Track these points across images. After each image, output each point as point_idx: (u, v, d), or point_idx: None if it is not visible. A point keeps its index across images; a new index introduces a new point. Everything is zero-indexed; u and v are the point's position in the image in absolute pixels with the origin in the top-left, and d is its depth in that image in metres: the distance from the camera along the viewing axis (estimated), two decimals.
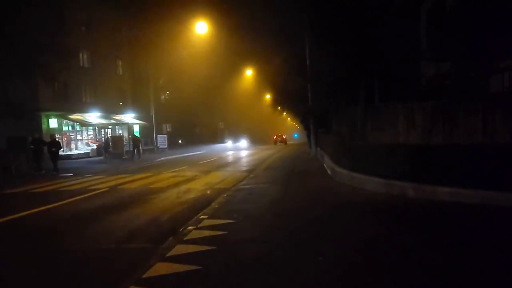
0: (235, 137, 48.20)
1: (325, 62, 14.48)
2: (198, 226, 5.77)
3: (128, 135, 32.83)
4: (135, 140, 23.87)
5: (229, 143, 46.61)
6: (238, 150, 32.91)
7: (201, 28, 28.14)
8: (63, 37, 19.25)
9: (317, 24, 15.96)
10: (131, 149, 23.90)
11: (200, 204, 7.70)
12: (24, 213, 7.52)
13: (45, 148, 15.56)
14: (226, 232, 5.32)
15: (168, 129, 44.22)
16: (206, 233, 5.36)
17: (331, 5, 13.71)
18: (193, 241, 4.99)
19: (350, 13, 12.80)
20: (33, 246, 5.43)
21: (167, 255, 4.49)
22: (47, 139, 23.71)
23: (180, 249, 4.71)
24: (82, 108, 27.35)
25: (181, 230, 5.69)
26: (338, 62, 13.27)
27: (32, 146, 15.27)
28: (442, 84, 9.78)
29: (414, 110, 8.61)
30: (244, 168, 15.42)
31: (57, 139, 16.70)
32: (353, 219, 5.92)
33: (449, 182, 6.75)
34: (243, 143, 44.19)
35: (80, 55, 27.48)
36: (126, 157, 23.09)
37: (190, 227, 5.73)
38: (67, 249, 5.18)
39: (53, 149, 15.45)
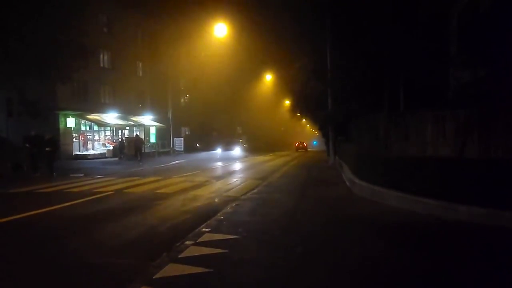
0: (228, 143, 35.63)
1: (347, 66, 13.76)
2: (197, 241, 5.16)
3: (145, 136, 32.81)
4: (137, 142, 23.36)
5: (218, 151, 34.69)
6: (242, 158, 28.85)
7: (221, 31, 27.91)
8: (83, 37, 19.26)
9: (339, 27, 15.29)
10: (132, 151, 23.29)
11: (205, 214, 7.09)
12: (14, 217, 7.04)
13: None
14: (226, 251, 4.69)
15: (187, 132, 44.14)
16: (205, 250, 4.74)
17: (354, 6, 13.04)
18: (188, 260, 4.37)
19: (373, 15, 12.10)
20: (10, 256, 4.91)
21: (155, 276, 3.90)
22: (64, 138, 24.11)
23: (171, 269, 4.10)
24: (100, 108, 27.43)
25: (178, 244, 5.09)
26: (360, 66, 12.54)
27: (27, 145, 14.22)
28: (476, 91, 8.90)
29: (445, 119, 7.78)
30: (258, 175, 14.77)
31: (53, 138, 15.25)
32: (373, 241, 5.16)
33: (486, 202, 5.92)
34: (237, 151, 32.87)
35: (101, 55, 27.64)
36: (139, 159, 22.86)
37: (188, 242, 5.12)
38: (48, 261, 4.65)
39: (48, 148, 14.21)
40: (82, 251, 5.03)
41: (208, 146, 41.43)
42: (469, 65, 10.28)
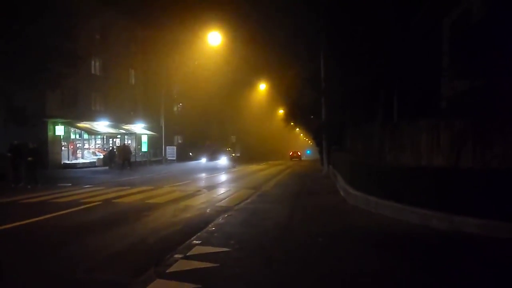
0: (214, 152, 29.37)
1: (341, 75, 13.73)
2: (187, 254, 4.94)
3: (136, 145, 32.36)
4: (125, 150, 22.63)
5: (203, 161, 29.17)
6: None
7: (214, 39, 27.89)
8: (74, 43, 19.00)
9: (333, 36, 15.30)
10: (120, 160, 22.55)
11: (196, 226, 6.87)
12: None
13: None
14: (217, 265, 4.47)
15: (179, 141, 43.78)
16: (194, 264, 4.52)
17: (349, 17, 13.06)
18: (176, 276, 4.16)
19: (368, 25, 12.11)
20: None
21: None
22: (52, 147, 23.61)
23: (157, 286, 3.89)
24: (91, 116, 26.99)
25: (167, 258, 4.85)
26: (355, 75, 12.49)
27: (9, 155, 13.69)
28: (471, 101, 8.86)
29: (440, 128, 7.67)
30: (252, 185, 14.56)
31: (36, 147, 14.59)
32: (369, 253, 4.99)
33: (482, 212, 5.81)
34: (224, 161, 27.10)
35: (92, 62, 27.28)
36: (129, 167, 22.42)
37: (177, 255, 4.90)
38: (27, 276, 4.39)
39: (30, 158, 13.65)
40: (64, 266, 4.77)
41: (201, 155, 40.97)
42: (461, 75, 10.28)
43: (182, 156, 36.79)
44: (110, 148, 26.65)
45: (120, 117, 30.05)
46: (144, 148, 33.37)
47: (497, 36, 8.71)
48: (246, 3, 31.36)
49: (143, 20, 30.92)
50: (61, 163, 24.33)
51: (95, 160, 26.42)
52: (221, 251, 5.03)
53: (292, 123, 41.33)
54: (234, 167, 26.38)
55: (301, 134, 68.59)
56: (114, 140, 29.89)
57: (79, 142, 26.95)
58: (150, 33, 32.18)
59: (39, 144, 15.20)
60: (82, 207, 9.04)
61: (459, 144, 7.58)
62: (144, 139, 33.66)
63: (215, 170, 23.55)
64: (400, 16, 11.86)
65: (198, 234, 6.06)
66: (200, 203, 9.90)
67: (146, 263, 4.73)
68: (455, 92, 10.23)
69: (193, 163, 32.49)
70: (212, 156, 27.96)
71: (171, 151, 34.08)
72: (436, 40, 13.44)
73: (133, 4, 28.86)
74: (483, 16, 10.17)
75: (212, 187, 13.95)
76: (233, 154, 32.60)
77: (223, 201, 10.22)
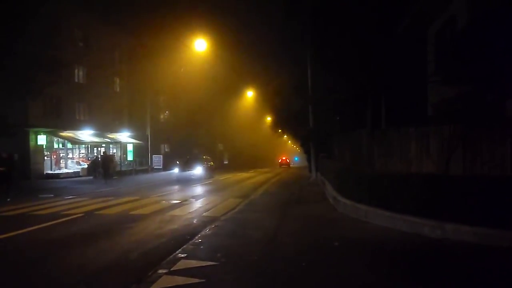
0: (188, 161, 24.61)
1: (328, 82, 13.72)
2: (172, 269, 4.69)
3: (122, 154, 31.77)
4: (106, 160, 21.66)
5: (175, 171, 24.14)
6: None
7: (201, 46, 27.76)
8: (56, 50, 18.56)
9: (320, 44, 15.34)
10: (101, 169, 21.59)
11: (182, 238, 6.62)
12: None
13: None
14: (203, 281, 4.24)
15: (166, 149, 43.22)
16: (179, 280, 4.29)
17: (336, 24, 13.09)
18: None
19: (355, 33, 12.15)
20: None
21: None
22: (34, 157, 22.91)
23: None
24: (74, 125, 26.37)
25: (149, 274, 4.60)
26: (342, 83, 12.48)
27: None
28: (459, 108, 8.88)
29: (429, 135, 7.65)
30: (239, 193, 14.31)
31: (10, 157, 13.77)
32: (360, 265, 4.82)
33: (474, 220, 5.73)
34: (198, 170, 22.96)
35: (76, 70, 26.73)
36: (116, 177, 21.85)
37: (161, 271, 4.66)
38: None
39: (2, 168, 12.92)
40: (40, 285, 4.46)
41: (174, 165, 39.93)
42: (448, 82, 10.34)
43: (170, 165, 36.30)
44: (94, 157, 26.02)
45: (105, 126, 29.49)
46: (130, 157, 32.78)
47: (482, 42, 8.77)
48: (232, 12, 31.45)
49: (128, 27, 30.59)
50: (43, 173, 23.62)
51: (79, 170, 25.77)
52: (207, 265, 4.80)
53: (279, 130, 41.34)
54: (212, 177, 24.43)
55: (289, 141, 68.76)
56: (99, 149, 29.23)
57: (62, 151, 26.24)
58: (135, 41, 31.84)
59: (20, 154, 14.55)
60: (63, 219, 8.66)
61: (449, 151, 7.55)
62: (130, 148, 33.09)
63: (191, 181, 21.27)
64: (386, 24, 11.93)
65: (184, 246, 5.82)
66: (186, 213, 9.62)
67: (127, 280, 4.49)
68: (443, 99, 10.26)
69: (164, 174, 29.93)
70: (186, 166, 23.91)
71: (157, 160, 33.57)
72: (422, 47, 13.56)
73: (118, 11, 28.55)
74: (468, 23, 10.28)
75: (199, 196, 13.66)
76: (211, 163, 28.08)
77: (209, 211, 9.96)
